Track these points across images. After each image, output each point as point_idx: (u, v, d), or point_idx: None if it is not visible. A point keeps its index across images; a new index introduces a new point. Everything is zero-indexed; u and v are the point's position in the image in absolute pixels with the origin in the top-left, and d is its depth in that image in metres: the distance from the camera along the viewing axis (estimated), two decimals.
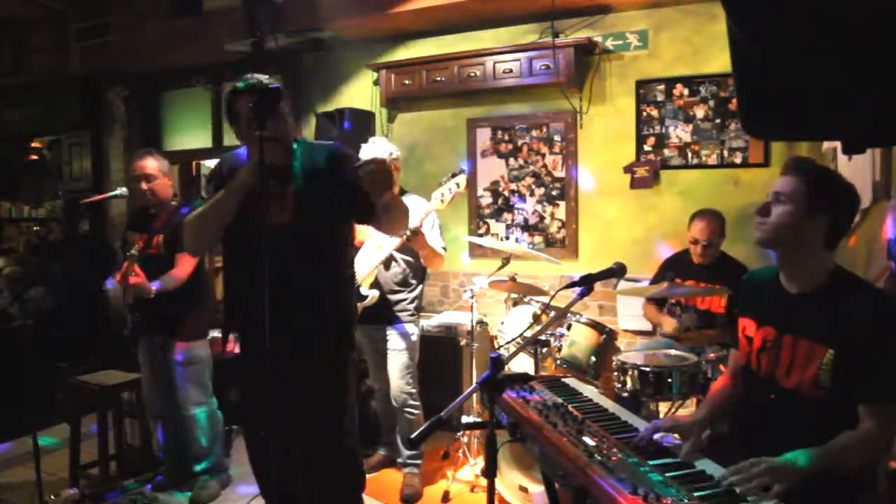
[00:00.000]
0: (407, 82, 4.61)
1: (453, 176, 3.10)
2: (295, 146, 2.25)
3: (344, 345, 2.30)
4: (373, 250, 3.24)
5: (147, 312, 3.19)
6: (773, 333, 1.80)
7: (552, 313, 3.41)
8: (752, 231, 1.82)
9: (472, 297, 3.61)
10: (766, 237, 1.77)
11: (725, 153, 3.97)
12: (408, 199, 3.34)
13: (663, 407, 3.10)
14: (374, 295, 3.23)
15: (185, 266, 3.16)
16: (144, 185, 3.22)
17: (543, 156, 4.45)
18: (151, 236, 3.22)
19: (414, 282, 3.39)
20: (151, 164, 3.22)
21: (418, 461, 3.43)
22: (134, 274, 2.99)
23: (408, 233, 3.01)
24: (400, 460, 3.48)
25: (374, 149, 3.26)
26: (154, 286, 3.03)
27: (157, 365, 3.29)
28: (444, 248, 3.35)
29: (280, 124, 2.11)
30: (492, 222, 4.66)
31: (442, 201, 3.05)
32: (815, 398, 1.68)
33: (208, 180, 2.40)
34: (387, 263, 3.29)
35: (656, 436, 1.68)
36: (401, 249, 3.24)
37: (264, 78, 2.18)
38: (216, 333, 3.61)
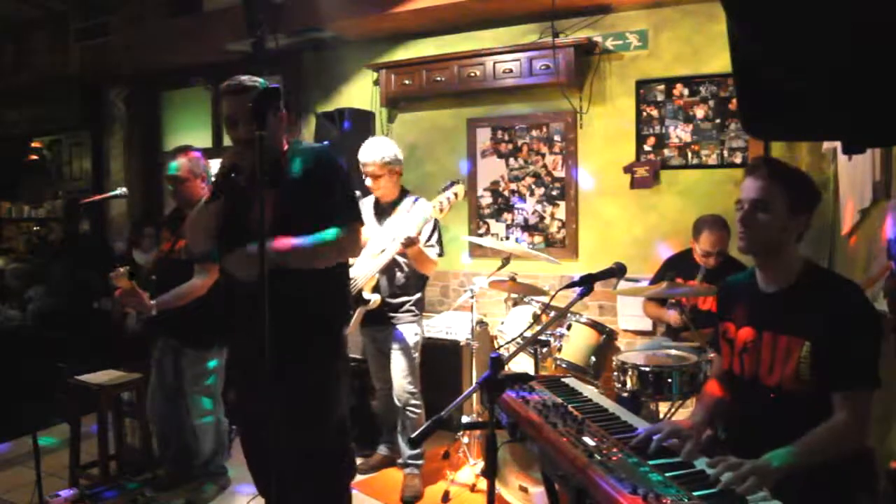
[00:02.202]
0: (407, 82, 4.61)
1: (451, 185, 3.12)
2: (286, 148, 2.29)
3: (329, 347, 2.31)
4: (373, 255, 3.24)
5: (160, 315, 3.06)
6: (753, 333, 1.84)
7: (552, 313, 3.41)
8: None
9: (472, 297, 3.61)
10: (753, 246, 1.82)
11: (725, 153, 3.96)
12: (409, 200, 3.35)
13: (663, 407, 3.10)
14: (376, 299, 3.23)
15: (201, 278, 3.05)
16: (173, 188, 3.15)
17: (543, 156, 4.45)
18: (176, 240, 3.15)
19: (418, 284, 3.40)
20: (182, 166, 3.12)
21: (419, 461, 3.43)
22: (133, 294, 2.92)
23: (403, 240, 3.02)
24: (401, 460, 3.48)
25: (368, 151, 3.28)
26: (154, 303, 2.95)
27: (166, 367, 3.28)
28: (440, 255, 3.35)
29: (246, 128, 2.14)
30: (492, 222, 4.66)
31: (441, 210, 3.09)
32: (798, 392, 1.71)
33: (214, 180, 2.44)
34: (389, 268, 3.29)
35: (655, 437, 1.67)
36: (402, 253, 3.24)
37: (247, 79, 2.21)
38: None
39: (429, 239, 3.27)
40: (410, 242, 3.04)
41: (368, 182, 3.32)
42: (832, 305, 1.69)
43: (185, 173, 3.12)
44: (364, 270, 3.20)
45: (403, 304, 3.36)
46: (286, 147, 2.32)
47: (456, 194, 3.12)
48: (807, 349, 1.69)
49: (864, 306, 1.71)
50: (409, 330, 3.36)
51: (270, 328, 1.84)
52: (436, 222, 3.32)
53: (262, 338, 1.87)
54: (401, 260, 3.30)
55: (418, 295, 3.42)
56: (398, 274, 3.33)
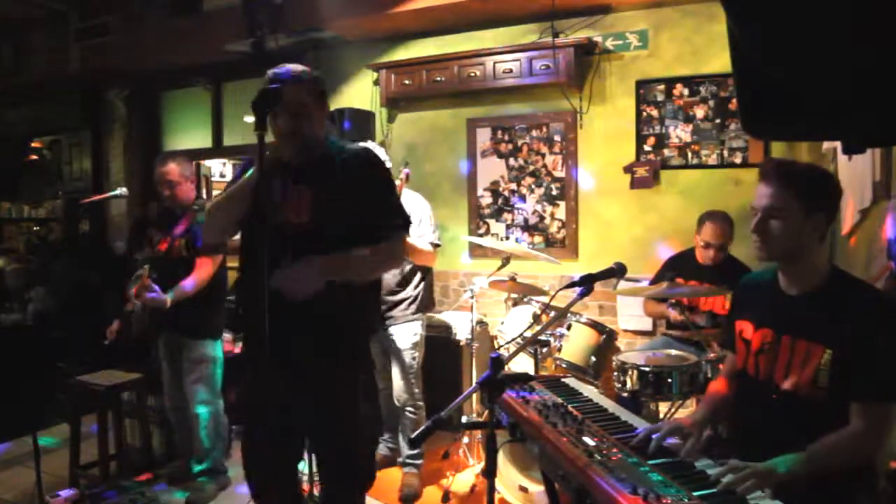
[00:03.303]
0: (407, 82, 4.61)
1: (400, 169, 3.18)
2: (328, 145, 2.16)
3: (359, 351, 2.26)
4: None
5: (164, 311, 3.18)
6: (771, 335, 1.80)
7: (552, 313, 3.41)
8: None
9: (472, 297, 3.61)
10: (771, 255, 1.77)
11: (725, 153, 3.96)
12: (404, 195, 3.35)
13: (663, 407, 3.10)
14: None
15: (204, 270, 3.17)
16: (167, 191, 3.27)
17: (543, 156, 4.45)
18: (174, 239, 3.26)
19: (414, 280, 3.38)
20: (174, 170, 3.26)
21: (418, 461, 3.43)
22: (149, 289, 3.00)
23: None
24: (400, 459, 3.48)
25: None
26: (168, 297, 3.04)
27: (175, 362, 3.34)
28: (436, 245, 3.31)
29: (295, 120, 2.02)
30: (492, 222, 4.66)
31: None
32: (813, 399, 1.69)
33: (242, 169, 2.26)
34: None
35: (654, 436, 1.68)
36: None
37: (300, 69, 2.09)
38: (227, 334, 3.70)
39: (419, 226, 3.27)
40: None
41: None
42: (858, 315, 1.65)
43: (176, 177, 3.26)
44: None
45: (400, 301, 3.35)
46: (324, 144, 2.16)
47: (401, 180, 3.17)
48: (828, 357, 1.65)
49: (891, 316, 1.67)
50: (409, 329, 3.35)
51: (296, 328, 1.84)
52: (426, 212, 3.31)
53: (297, 338, 1.87)
54: None
55: (418, 292, 3.39)
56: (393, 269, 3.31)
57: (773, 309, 1.83)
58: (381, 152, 3.37)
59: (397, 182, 3.11)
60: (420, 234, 3.26)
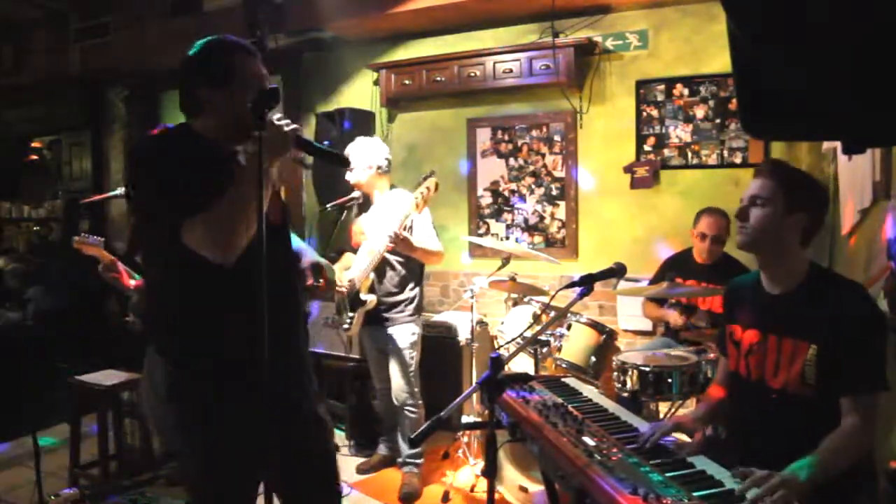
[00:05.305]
0: (407, 82, 4.61)
1: (424, 179, 3.13)
2: None
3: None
4: (367, 254, 3.23)
5: None
6: (758, 336, 1.83)
7: (552, 313, 3.41)
8: None
9: (472, 297, 3.61)
10: (748, 241, 1.82)
11: (725, 153, 3.97)
12: (388, 193, 3.35)
13: (663, 407, 3.10)
14: (372, 299, 3.23)
15: None
16: None
17: (543, 156, 4.45)
18: None
19: (412, 283, 3.38)
20: None
21: (418, 460, 3.43)
22: (112, 269, 3.03)
23: (391, 235, 3.02)
24: (400, 459, 3.48)
25: (359, 152, 3.28)
26: (131, 283, 3.06)
27: None
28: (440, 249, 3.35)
29: None
30: (492, 222, 4.66)
31: (417, 205, 3.07)
32: (802, 395, 1.71)
33: (153, 169, 1.66)
34: (381, 268, 3.28)
35: (644, 429, 1.68)
36: (394, 252, 3.23)
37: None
38: None
39: (424, 229, 3.27)
40: (396, 238, 3.04)
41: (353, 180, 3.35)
42: (839, 308, 1.68)
43: None
44: (359, 271, 3.21)
45: (399, 303, 3.35)
46: None
47: (429, 188, 3.13)
48: (812, 353, 1.68)
49: (871, 308, 1.71)
50: (406, 330, 3.35)
51: (283, 342, 1.63)
52: (426, 214, 3.32)
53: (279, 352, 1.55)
54: (392, 259, 3.29)
55: (414, 293, 3.39)
56: (390, 273, 3.32)
57: (759, 309, 1.87)
58: (383, 148, 3.37)
59: (420, 195, 3.06)
60: (430, 235, 3.28)
